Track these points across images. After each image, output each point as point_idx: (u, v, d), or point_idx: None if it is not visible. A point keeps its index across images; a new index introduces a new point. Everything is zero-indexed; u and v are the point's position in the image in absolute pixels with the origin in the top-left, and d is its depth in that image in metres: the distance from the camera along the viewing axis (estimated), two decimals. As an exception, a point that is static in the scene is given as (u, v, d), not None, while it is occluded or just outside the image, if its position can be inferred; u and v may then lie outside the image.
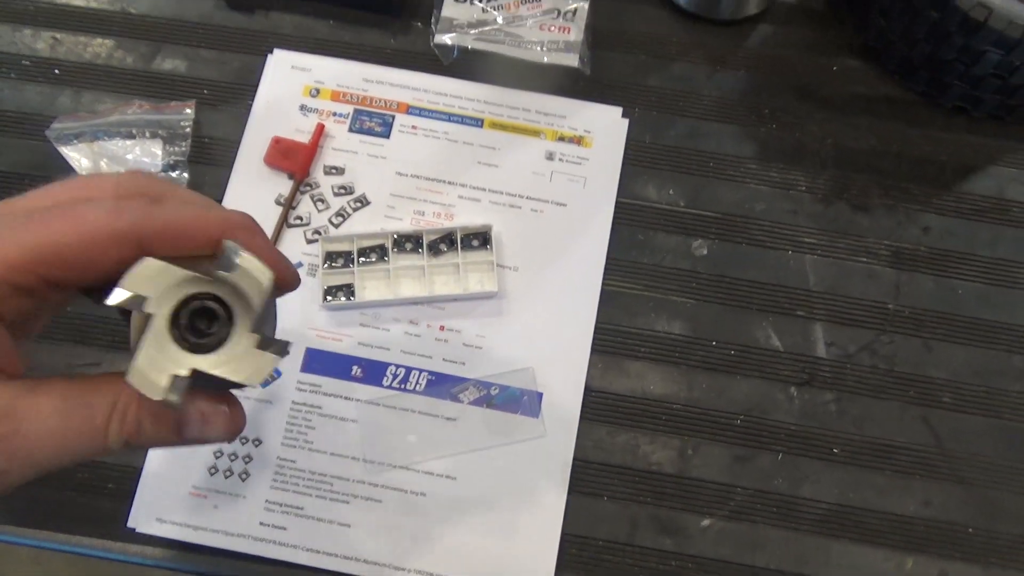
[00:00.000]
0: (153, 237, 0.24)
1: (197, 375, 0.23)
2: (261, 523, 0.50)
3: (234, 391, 0.27)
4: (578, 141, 0.59)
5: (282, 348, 0.24)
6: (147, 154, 0.58)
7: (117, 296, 0.23)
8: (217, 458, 0.51)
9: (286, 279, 0.28)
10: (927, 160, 0.59)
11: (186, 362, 0.23)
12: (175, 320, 0.24)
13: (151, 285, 0.23)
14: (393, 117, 0.59)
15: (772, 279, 0.56)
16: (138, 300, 0.23)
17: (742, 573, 0.50)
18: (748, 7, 0.62)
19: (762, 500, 0.51)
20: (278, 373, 0.52)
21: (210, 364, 0.23)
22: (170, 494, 0.50)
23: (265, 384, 0.24)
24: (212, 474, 0.51)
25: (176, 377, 0.23)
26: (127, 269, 0.24)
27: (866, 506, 0.51)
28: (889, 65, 0.61)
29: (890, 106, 0.61)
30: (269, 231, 0.56)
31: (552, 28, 0.62)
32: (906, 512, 0.51)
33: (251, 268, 0.24)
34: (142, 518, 0.50)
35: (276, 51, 0.61)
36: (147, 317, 0.23)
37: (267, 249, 0.27)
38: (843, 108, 0.61)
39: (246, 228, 0.27)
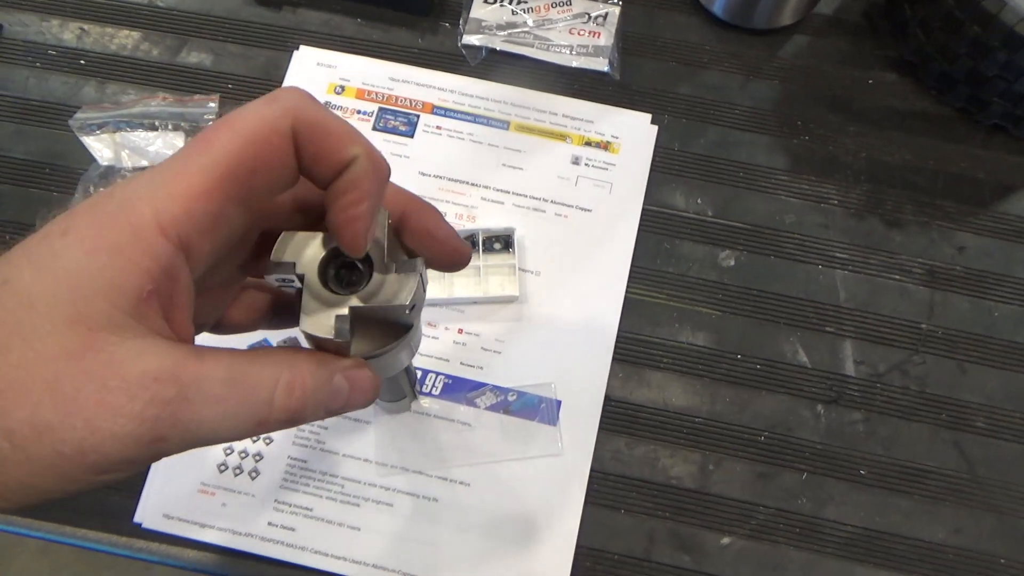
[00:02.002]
0: (305, 126, 0.25)
1: (355, 312, 0.26)
2: (269, 523, 0.49)
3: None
4: (605, 146, 0.58)
5: (415, 266, 0.27)
6: (169, 146, 0.57)
7: (270, 270, 0.26)
8: (227, 455, 0.50)
9: (419, 213, 0.29)
10: (964, 178, 0.58)
11: (343, 303, 0.26)
12: (324, 277, 0.27)
13: (293, 252, 0.27)
14: (418, 117, 0.59)
15: (801, 293, 0.54)
16: (287, 267, 0.26)
17: (762, 595, 0.48)
18: (783, 17, 0.60)
19: (785, 520, 0.50)
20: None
21: (362, 299, 0.26)
22: (178, 491, 0.49)
23: (414, 307, 0.28)
24: (221, 471, 0.50)
25: (338, 316, 0.26)
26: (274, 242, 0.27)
27: (893, 531, 0.50)
28: (927, 80, 0.60)
29: (926, 121, 0.59)
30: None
31: (582, 32, 0.61)
32: (935, 539, 0.49)
33: None
34: (149, 514, 0.49)
35: (302, 48, 0.61)
36: (301, 278, 0.26)
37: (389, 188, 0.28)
38: (878, 122, 0.59)
39: (374, 174, 0.26)
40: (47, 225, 0.23)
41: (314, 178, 0.26)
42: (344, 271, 0.27)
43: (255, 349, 0.26)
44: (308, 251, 0.27)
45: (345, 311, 0.26)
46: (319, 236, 0.27)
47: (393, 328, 0.29)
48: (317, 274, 0.27)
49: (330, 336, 0.26)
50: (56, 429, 0.21)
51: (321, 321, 0.26)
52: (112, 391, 0.22)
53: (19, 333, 0.22)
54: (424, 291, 0.29)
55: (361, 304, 0.26)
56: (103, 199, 0.23)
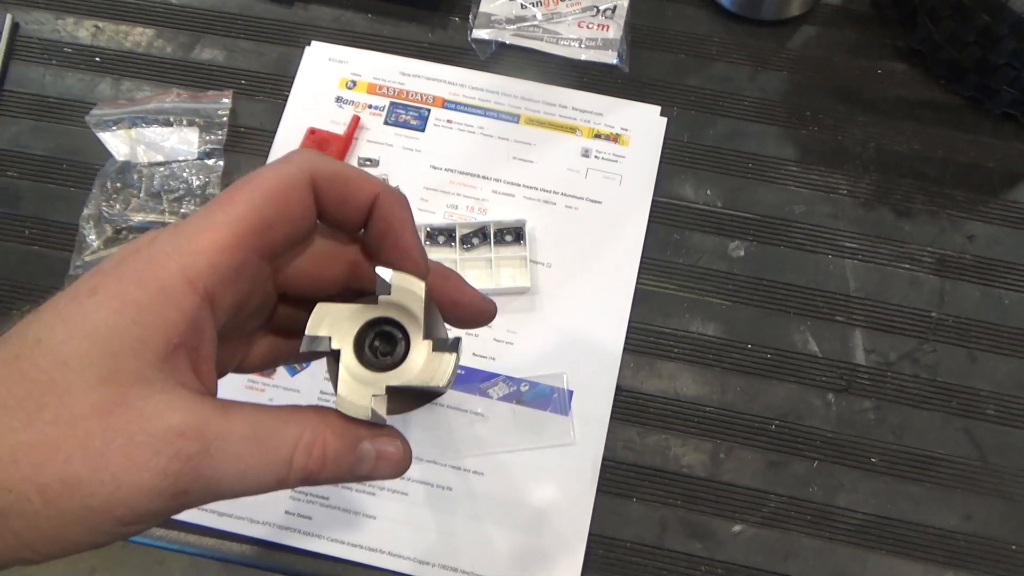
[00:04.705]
0: (324, 179, 0.26)
1: (391, 391, 0.26)
2: (286, 512, 0.49)
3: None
4: (615, 139, 0.58)
5: (455, 345, 0.26)
6: (184, 142, 0.58)
7: (305, 344, 0.26)
8: (243, 446, 0.51)
9: (444, 282, 0.29)
10: (973, 166, 0.58)
11: (380, 382, 0.26)
12: (360, 350, 0.26)
13: (328, 326, 0.26)
14: (429, 111, 0.59)
15: (811, 283, 0.55)
16: (323, 341, 0.26)
17: (774, 582, 0.49)
18: (791, 8, 0.61)
19: (796, 508, 0.50)
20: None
21: (399, 378, 0.26)
22: (196, 480, 0.50)
23: (448, 387, 0.27)
24: (238, 461, 0.50)
25: (375, 396, 0.26)
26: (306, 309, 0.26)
27: (904, 518, 0.50)
28: (936, 69, 0.60)
29: (935, 111, 0.59)
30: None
31: (591, 25, 0.61)
32: (946, 526, 0.50)
33: (404, 283, 0.26)
34: (167, 503, 0.49)
35: (314, 43, 0.61)
36: (336, 353, 0.26)
37: (416, 247, 0.28)
38: (887, 112, 0.59)
39: (400, 203, 0.27)
40: (75, 283, 0.24)
41: (341, 223, 0.28)
42: (380, 341, 0.27)
43: (282, 407, 0.26)
44: (344, 324, 0.26)
45: (381, 391, 0.26)
46: (354, 307, 0.27)
47: (427, 395, 0.29)
48: (353, 348, 0.26)
49: (367, 418, 0.26)
50: (85, 483, 0.22)
51: (356, 401, 0.26)
52: (139, 445, 0.22)
53: (53, 391, 0.22)
54: (459, 364, 0.28)
55: (397, 384, 0.26)
56: (130, 256, 0.24)
